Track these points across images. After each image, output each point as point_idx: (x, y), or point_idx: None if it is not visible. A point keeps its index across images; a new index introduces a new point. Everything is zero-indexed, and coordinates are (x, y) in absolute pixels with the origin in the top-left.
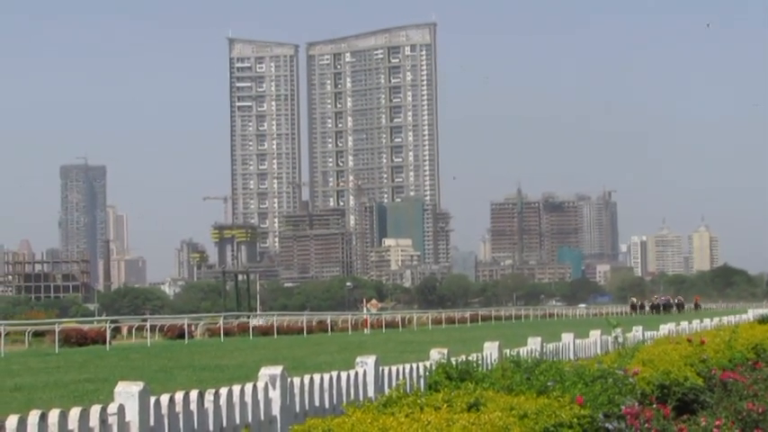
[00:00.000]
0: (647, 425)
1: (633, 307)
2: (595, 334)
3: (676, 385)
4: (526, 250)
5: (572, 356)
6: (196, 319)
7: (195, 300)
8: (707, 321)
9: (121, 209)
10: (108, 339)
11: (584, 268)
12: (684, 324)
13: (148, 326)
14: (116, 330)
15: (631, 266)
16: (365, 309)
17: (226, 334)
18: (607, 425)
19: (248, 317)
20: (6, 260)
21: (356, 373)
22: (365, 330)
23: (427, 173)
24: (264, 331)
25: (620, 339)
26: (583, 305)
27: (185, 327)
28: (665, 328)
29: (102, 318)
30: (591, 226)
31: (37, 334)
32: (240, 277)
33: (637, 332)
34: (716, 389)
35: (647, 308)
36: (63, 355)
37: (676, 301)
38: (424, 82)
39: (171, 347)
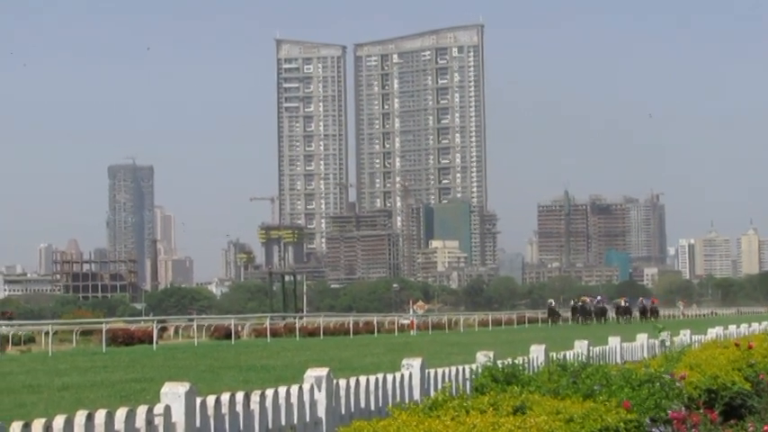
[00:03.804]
0: (694, 430)
1: (552, 313)
2: (642, 337)
3: (724, 390)
4: (573, 253)
5: (619, 360)
6: (243, 319)
7: (242, 300)
8: (755, 325)
9: (169, 209)
10: (155, 339)
11: (632, 271)
12: (732, 328)
13: (195, 326)
14: (163, 330)
15: (679, 270)
16: (412, 310)
17: (272, 334)
18: (654, 429)
19: (295, 317)
20: (55, 259)
21: (402, 376)
22: (411, 332)
23: (474, 174)
24: (311, 332)
25: (667, 343)
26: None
27: (232, 327)
28: (713, 332)
29: (149, 317)
30: (639, 229)
31: (84, 333)
32: (287, 278)
33: (684, 336)
34: (764, 393)
35: (578, 313)
36: (110, 354)
37: (623, 304)
38: (472, 83)
39: (217, 347)
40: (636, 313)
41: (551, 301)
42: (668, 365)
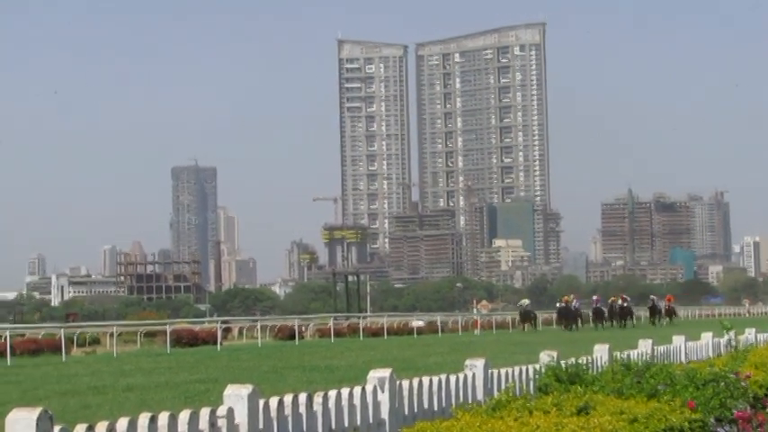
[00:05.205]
0: (759, 429)
1: (525, 316)
2: (707, 336)
3: None
4: (637, 251)
5: (683, 359)
6: (306, 319)
7: (305, 300)
8: None
9: (232, 210)
10: (219, 340)
11: (697, 269)
12: None
13: (259, 326)
14: (227, 331)
15: (744, 267)
16: (475, 309)
17: (336, 335)
18: (719, 429)
19: (358, 317)
20: (119, 261)
21: (465, 376)
22: (475, 331)
23: (537, 173)
24: (375, 332)
25: (733, 342)
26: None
27: (296, 327)
28: None
29: (213, 318)
30: (703, 226)
31: (149, 334)
32: (350, 278)
33: (749, 334)
34: None
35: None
36: (174, 355)
37: (620, 303)
38: (534, 82)
39: (281, 348)
40: (641, 314)
41: (526, 301)
42: (733, 364)
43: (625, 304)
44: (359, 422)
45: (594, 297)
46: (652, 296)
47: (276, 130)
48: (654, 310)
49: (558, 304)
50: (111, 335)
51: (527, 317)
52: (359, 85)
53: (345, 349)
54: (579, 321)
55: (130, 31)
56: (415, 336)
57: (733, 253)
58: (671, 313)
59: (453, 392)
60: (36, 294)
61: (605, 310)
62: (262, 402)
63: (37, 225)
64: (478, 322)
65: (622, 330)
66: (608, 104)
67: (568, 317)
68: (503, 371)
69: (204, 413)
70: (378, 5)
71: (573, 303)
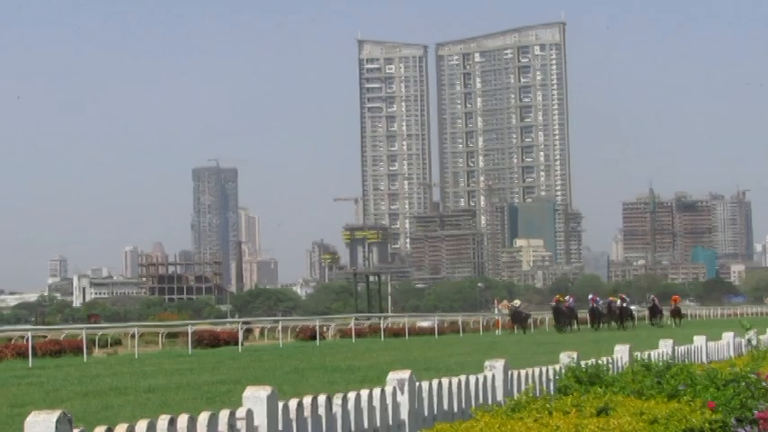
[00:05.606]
0: None
1: (516, 317)
2: (728, 336)
3: None
4: (659, 250)
5: (704, 359)
6: (328, 320)
7: (327, 301)
8: None
9: (253, 211)
10: (240, 340)
11: (719, 268)
12: None
13: (280, 327)
14: (248, 332)
15: (767, 266)
16: (497, 309)
17: (357, 335)
18: (740, 430)
19: (379, 318)
20: (140, 262)
21: (485, 377)
22: (497, 331)
23: (558, 173)
24: (396, 332)
25: (754, 342)
26: None
27: (317, 328)
28: None
29: (235, 319)
30: (725, 225)
31: (170, 335)
32: (371, 278)
33: None
34: None
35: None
36: (196, 356)
37: (618, 304)
38: (554, 82)
39: (303, 348)
40: (639, 313)
41: (517, 301)
42: (754, 364)
43: (624, 305)
44: (378, 423)
45: (591, 296)
46: (652, 296)
47: (297, 131)
48: (654, 311)
49: (551, 304)
50: (133, 336)
51: (518, 318)
52: (379, 86)
53: (366, 350)
54: (573, 321)
55: (139, 30)
56: (437, 336)
57: (755, 252)
58: (676, 314)
59: (473, 393)
60: (58, 296)
61: (604, 310)
62: (281, 404)
63: (58, 227)
64: (500, 322)
65: (622, 331)
66: (628, 103)
67: (559, 317)
68: (522, 372)
69: (223, 415)
70: (397, 6)
71: (569, 302)
